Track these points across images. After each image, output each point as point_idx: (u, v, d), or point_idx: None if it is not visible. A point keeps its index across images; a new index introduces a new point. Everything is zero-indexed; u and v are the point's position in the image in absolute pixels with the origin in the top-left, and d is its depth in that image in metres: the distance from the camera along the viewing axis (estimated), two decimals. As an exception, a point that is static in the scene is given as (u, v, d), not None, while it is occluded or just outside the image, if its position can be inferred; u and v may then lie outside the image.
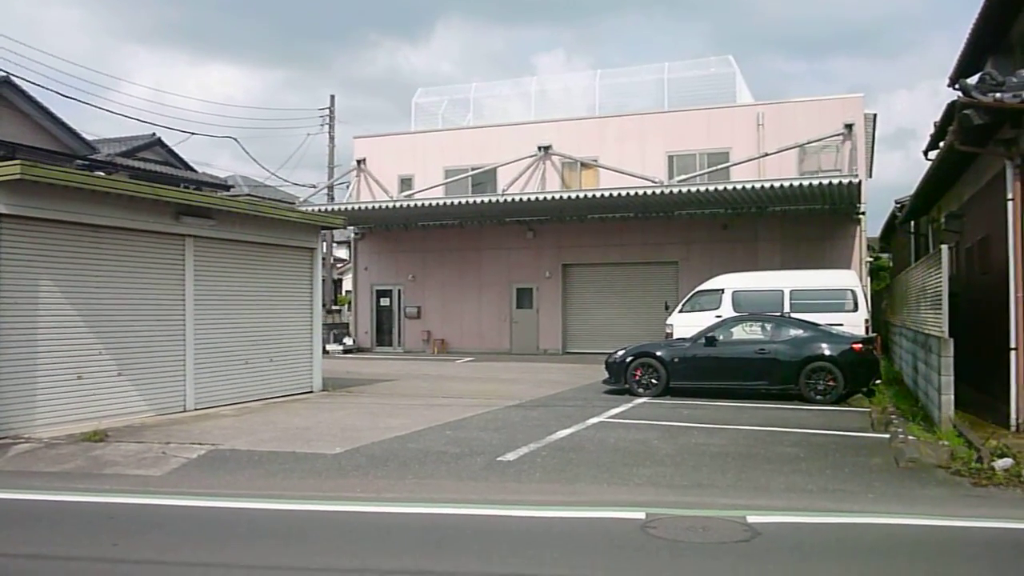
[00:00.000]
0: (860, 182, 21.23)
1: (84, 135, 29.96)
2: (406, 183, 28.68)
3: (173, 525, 6.76)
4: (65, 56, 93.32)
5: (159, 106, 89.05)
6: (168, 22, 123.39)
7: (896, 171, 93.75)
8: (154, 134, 34.41)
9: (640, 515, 6.54)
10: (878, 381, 14.86)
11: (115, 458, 9.19)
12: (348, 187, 30.66)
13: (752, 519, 6.40)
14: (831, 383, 13.93)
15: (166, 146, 34.76)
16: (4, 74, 25.97)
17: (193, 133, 57.65)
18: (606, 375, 15.69)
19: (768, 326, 15.13)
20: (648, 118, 26.57)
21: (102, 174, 20.42)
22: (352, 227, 29.62)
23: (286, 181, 62.72)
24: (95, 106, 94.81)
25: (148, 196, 12.25)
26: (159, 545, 6.05)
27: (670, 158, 25.75)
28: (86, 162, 28.41)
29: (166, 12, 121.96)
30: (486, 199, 23.96)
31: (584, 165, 26.77)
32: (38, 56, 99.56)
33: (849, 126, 23.22)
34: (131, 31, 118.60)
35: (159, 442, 10.01)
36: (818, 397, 13.88)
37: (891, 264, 33.61)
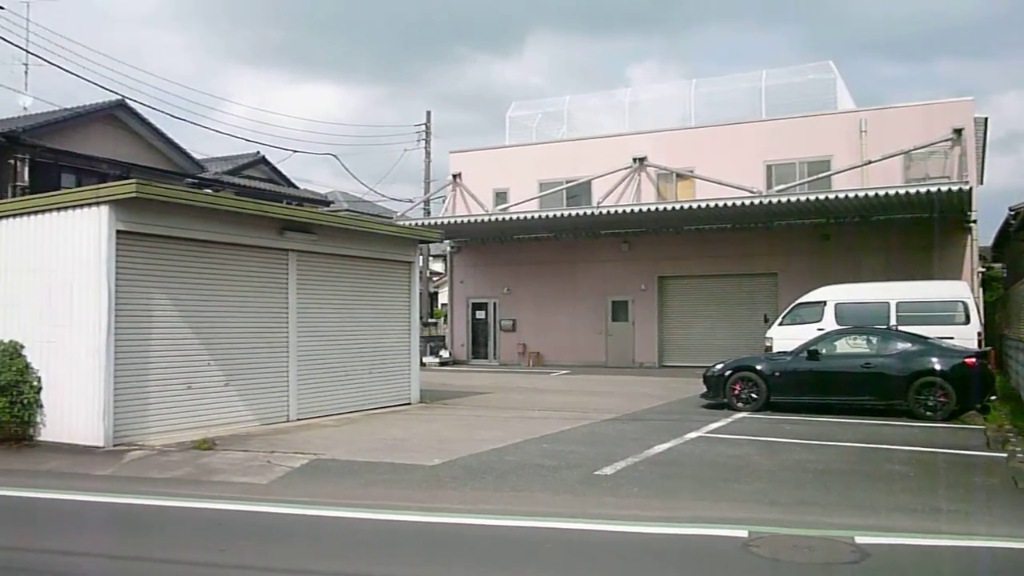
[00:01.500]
0: (971, 189, 20.37)
1: (193, 154, 31.21)
2: (501, 196, 28.86)
3: (277, 532, 6.93)
4: (174, 78, 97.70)
5: (262, 125, 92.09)
6: (270, 43, 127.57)
7: (1009, 176, 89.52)
8: (258, 152, 35.59)
9: (742, 533, 6.38)
10: (993, 397, 14.19)
11: (222, 466, 9.48)
12: (444, 201, 31.05)
13: (860, 540, 6.17)
14: (942, 399, 13.36)
15: (269, 163, 35.91)
16: (119, 97, 27.28)
17: (295, 151, 59.58)
18: (704, 389, 15.42)
19: (874, 339, 14.64)
20: (745, 127, 26.11)
21: (210, 191, 21.25)
22: (448, 240, 29.98)
23: (383, 196, 63.99)
24: (203, 126, 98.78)
25: (254, 212, 12.66)
26: (264, 552, 6.21)
27: (768, 167, 25.23)
28: (195, 180, 29.58)
29: (268, 34, 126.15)
30: (581, 212, 23.92)
31: (679, 176, 26.47)
32: (150, 79, 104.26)
33: (958, 131, 22.30)
34: (235, 52, 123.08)
35: (263, 451, 10.29)
36: (928, 413, 13.33)
37: (1005, 274, 32.09)
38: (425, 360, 26.94)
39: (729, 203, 21.86)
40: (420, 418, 14.02)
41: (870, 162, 22.75)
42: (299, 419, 13.37)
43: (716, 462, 9.61)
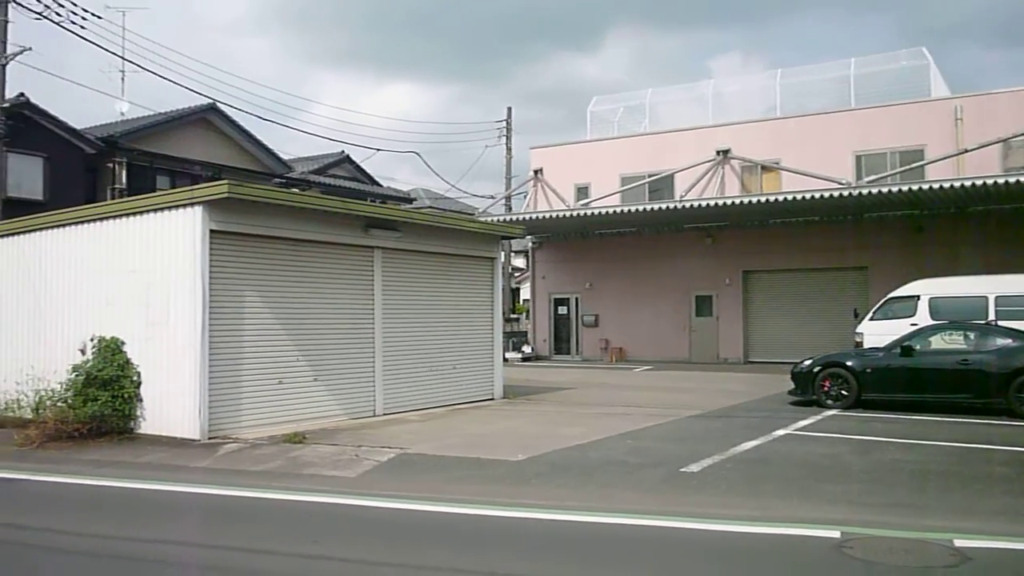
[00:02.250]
0: (1075, 178, 19.46)
1: (280, 155, 32.00)
2: (582, 191, 28.79)
3: (367, 525, 7.07)
4: (262, 81, 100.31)
5: (346, 124, 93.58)
6: (354, 45, 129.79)
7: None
8: (343, 151, 36.29)
9: (834, 534, 6.23)
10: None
11: (312, 459, 9.71)
12: (525, 197, 31.13)
13: (960, 543, 5.96)
14: (1045, 397, 12.81)
15: (354, 162, 36.59)
16: (211, 101, 28.12)
17: (378, 149, 60.55)
18: (791, 386, 15.12)
19: (972, 335, 14.12)
20: (832, 117, 25.49)
21: (297, 191, 21.73)
22: (529, 236, 30.04)
23: (465, 193, 64.46)
24: (290, 127, 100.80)
25: (340, 210, 12.91)
26: (355, 544, 6.34)
27: (857, 158, 24.58)
28: (283, 180, 30.33)
29: (352, 36, 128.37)
30: (663, 206, 23.70)
31: (764, 168, 25.99)
32: (239, 83, 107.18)
33: (1061, 117, 21.34)
34: (320, 55, 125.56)
35: (352, 445, 10.49)
36: (1030, 412, 12.80)
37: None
38: (507, 356, 27.05)
39: (816, 195, 21.36)
40: (503, 414, 14.10)
41: (966, 151, 21.94)
42: (385, 414, 13.59)
43: (806, 461, 9.41)
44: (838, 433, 11.49)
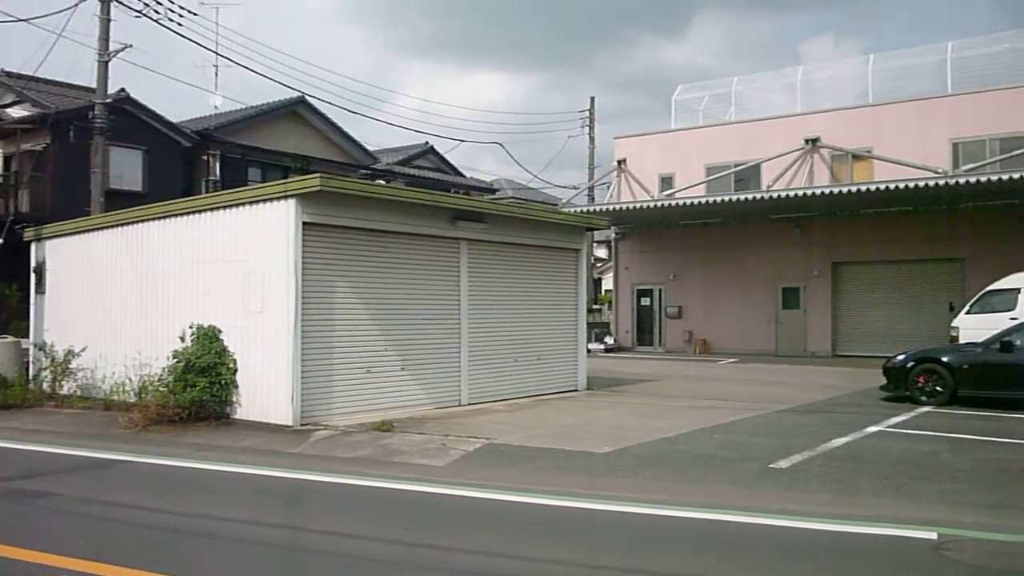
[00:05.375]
0: None
1: (366, 146, 32.51)
2: (667, 182, 28.51)
3: (457, 514, 7.20)
4: (350, 74, 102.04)
5: (430, 115, 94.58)
6: (438, 35, 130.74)
7: None
8: (427, 143, 36.69)
9: (931, 535, 6.09)
10: None
11: (402, 447, 9.89)
12: (608, 187, 30.99)
13: (1066, 547, 5.77)
14: None
15: (437, 153, 36.97)
16: (300, 94, 28.73)
17: (462, 140, 60.72)
18: (882, 381, 14.74)
19: (1077, 330, 13.53)
20: (929, 103, 24.64)
21: (383, 182, 22.12)
22: (613, 226, 29.88)
23: (548, 183, 64.53)
24: (376, 119, 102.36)
25: (427, 203, 13.08)
26: (446, 532, 6.46)
27: (954, 145, 23.74)
28: (368, 171, 30.82)
29: (439, 25, 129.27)
30: (749, 196, 23.29)
31: (856, 157, 25.32)
32: (327, 75, 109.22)
33: None
34: (405, 46, 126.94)
35: (439, 434, 10.65)
36: None
37: None
38: (589, 347, 26.96)
39: (911, 184, 20.68)
40: (588, 405, 14.12)
41: (1072, 137, 20.99)
42: (470, 404, 13.74)
43: (900, 458, 9.18)
44: (933, 430, 11.17)
